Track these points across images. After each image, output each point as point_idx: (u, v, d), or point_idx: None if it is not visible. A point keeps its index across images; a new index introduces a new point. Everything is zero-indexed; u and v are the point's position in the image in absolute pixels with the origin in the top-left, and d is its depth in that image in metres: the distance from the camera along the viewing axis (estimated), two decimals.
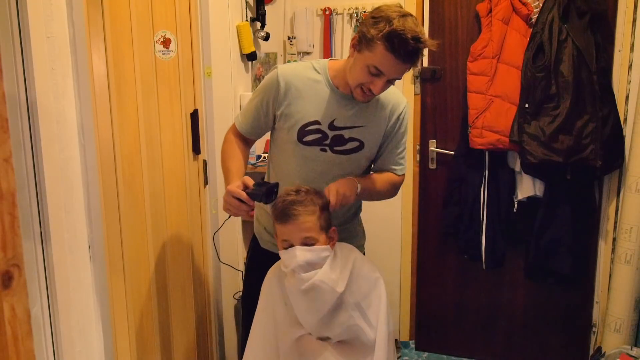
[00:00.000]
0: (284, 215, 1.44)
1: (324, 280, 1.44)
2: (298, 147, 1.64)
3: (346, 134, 1.62)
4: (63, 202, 1.34)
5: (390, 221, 2.72)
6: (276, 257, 1.78)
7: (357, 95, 1.55)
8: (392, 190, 1.75)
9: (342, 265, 1.51)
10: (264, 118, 1.68)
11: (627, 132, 2.23)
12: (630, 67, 2.20)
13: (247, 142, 1.78)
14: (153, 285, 1.94)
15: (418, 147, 2.64)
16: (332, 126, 1.62)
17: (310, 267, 1.43)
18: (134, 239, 1.83)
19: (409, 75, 2.57)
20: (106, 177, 1.67)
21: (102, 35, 1.63)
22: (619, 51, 2.23)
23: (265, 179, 1.82)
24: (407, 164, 2.63)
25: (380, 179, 1.70)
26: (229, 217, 1.83)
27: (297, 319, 1.53)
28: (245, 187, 1.52)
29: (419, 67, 2.56)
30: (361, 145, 1.64)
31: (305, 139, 1.62)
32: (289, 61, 2.73)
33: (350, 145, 1.63)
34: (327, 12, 2.64)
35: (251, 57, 2.46)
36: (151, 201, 1.90)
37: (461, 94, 2.50)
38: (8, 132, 0.83)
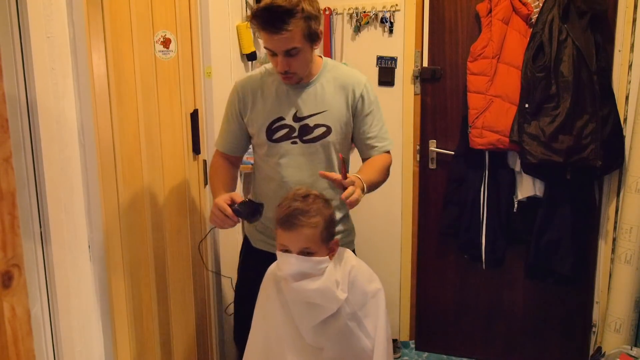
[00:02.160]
0: (286, 222, 1.41)
1: (328, 287, 1.42)
2: (271, 147, 1.70)
3: (311, 121, 1.67)
4: (63, 202, 1.34)
5: (390, 221, 2.72)
6: (269, 256, 1.80)
7: (282, 79, 1.63)
8: (386, 174, 1.75)
9: (341, 273, 1.49)
10: (239, 131, 1.76)
11: (627, 132, 2.23)
12: (630, 67, 2.20)
13: (232, 162, 1.84)
14: (153, 285, 1.94)
15: (418, 147, 2.64)
16: (296, 118, 1.67)
17: (303, 277, 1.41)
18: (134, 239, 1.83)
19: (409, 75, 2.57)
20: (106, 177, 1.67)
21: (102, 35, 1.63)
22: (619, 51, 2.23)
23: (251, 190, 1.87)
24: (407, 164, 2.65)
25: (375, 168, 1.70)
26: (213, 227, 1.91)
27: (294, 324, 1.51)
28: (233, 202, 1.58)
29: (419, 67, 2.56)
30: (328, 130, 1.68)
31: (274, 137, 1.69)
32: None
33: (318, 132, 1.67)
34: (327, 12, 2.64)
35: (251, 57, 2.46)
36: (151, 201, 1.90)
37: (461, 94, 2.50)
38: (8, 132, 0.83)
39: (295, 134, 1.68)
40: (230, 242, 2.39)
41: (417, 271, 2.76)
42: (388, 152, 1.77)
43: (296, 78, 1.63)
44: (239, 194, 1.62)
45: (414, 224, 2.71)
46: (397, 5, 2.53)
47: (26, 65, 1.23)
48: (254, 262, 1.85)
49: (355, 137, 1.75)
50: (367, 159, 1.76)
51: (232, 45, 2.34)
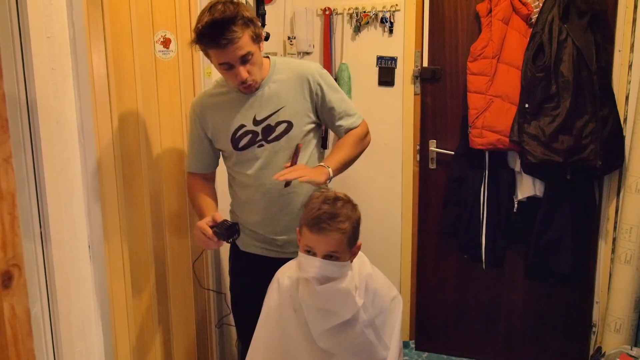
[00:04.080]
0: (315, 225, 1.38)
1: (350, 291, 1.42)
2: (240, 155, 1.71)
3: (272, 121, 1.68)
4: (63, 202, 1.34)
5: (390, 221, 2.72)
6: (257, 258, 1.79)
7: (242, 90, 1.65)
8: (362, 144, 1.78)
9: (358, 279, 1.48)
10: (206, 148, 1.78)
11: (627, 132, 2.23)
12: (630, 67, 2.20)
13: (207, 178, 1.85)
14: (153, 286, 1.94)
15: (418, 147, 2.64)
16: (255, 122, 1.69)
17: (327, 280, 1.40)
18: (134, 239, 1.83)
19: (409, 75, 2.57)
20: (106, 177, 1.67)
21: (102, 35, 1.63)
22: (619, 51, 2.23)
23: (231, 199, 1.88)
24: (407, 164, 2.65)
25: (346, 144, 1.74)
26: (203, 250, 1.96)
27: (305, 329, 1.49)
28: (215, 223, 1.60)
29: (419, 67, 2.56)
30: (290, 125, 1.69)
31: (240, 145, 1.70)
32: None
33: (280, 129, 1.69)
34: (327, 12, 2.64)
35: None
36: (151, 201, 1.90)
37: (461, 94, 2.50)
38: (8, 132, 0.83)
39: (260, 137, 1.69)
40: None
41: (417, 271, 2.76)
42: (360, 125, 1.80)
43: (255, 84, 1.64)
44: (219, 214, 1.64)
45: (414, 224, 2.71)
46: (397, 5, 2.53)
47: (26, 65, 1.23)
48: (244, 265, 1.86)
49: (326, 123, 1.78)
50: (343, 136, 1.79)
51: None
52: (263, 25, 2.53)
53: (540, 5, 2.25)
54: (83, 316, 1.44)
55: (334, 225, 1.37)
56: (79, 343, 1.42)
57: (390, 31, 2.56)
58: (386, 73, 2.61)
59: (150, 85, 1.87)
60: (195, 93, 2.13)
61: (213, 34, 1.49)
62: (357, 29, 2.61)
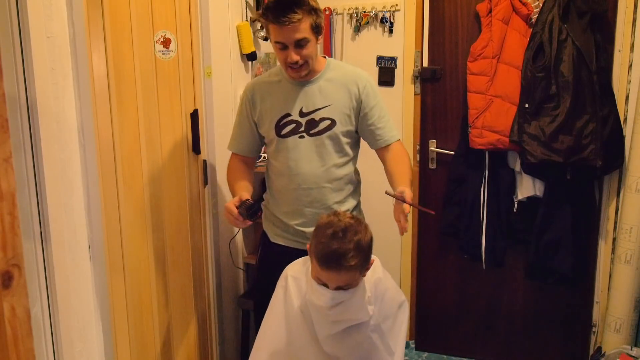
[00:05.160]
0: (325, 263, 1.35)
1: (361, 305, 1.41)
2: (280, 142, 1.78)
3: (316, 116, 1.75)
4: (63, 202, 1.34)
5: (390, 221, 2.70)
6: (285, 249, 1.82)
7: (290, 74, 1.71)
8: (411, 164, 1.84)
9: (369, 285, 1.48)
10: (251, 132, 1.86)
11: (627, 132, 2.23)
12: (630, 67, 2.20)
13: (246, 163, 1.91)
14: (153, 285, 1.94)
15: (418, 147, 2.64)
16: (302, 113, 1.76)
17: (338, 304, 1.40)
18: (134, 239, 1.83)
19: (409, 75, 2.57)
20: (106, 177, 1.67)
21: (102, 35, 1.63)
22: (619, 51, 2.23)
23: (267, 186, 1.94)
24: None
25: (406, 164, 1.80)
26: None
27: (311, 330, 1.48)
28: (241, 202, 1.66)
29: (419, 67, 2.56)
30: (333, 122, 1.76)
31: (283, 132, 1.77)
32: None
33: (323, 125, 1.76)
34: (327, 12, 2.64)
35: (251, 57, 2.47)
36: (151, 201, 1.90)
37: (461, 94, 2.50)
38: (8, 132, 0.83)
39: (302, 128, 1.76)
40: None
41: (417, 271, 2.76)
42: (398, 140, 1.86)
43: (305, 68, 1.69)
44: (245, 194, 1.69)
45: (414, 224, 2.71)
46: (397, 5, 2.53)
47: (26, 65, 1.23)
48: (273, 256, 1.90)
49: (363, 129, 1.82)
50: (378, 149, 1.84)
51: (232, 45, 2.34)
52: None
53: (540, 5, 2.25)
54: (83, 316, 1.44)
55: (345, 263, 1.33)
56: (79, 343, 1.42)
57: (390, 31, 2.56)
58: (386, 73, 2.61)
59: (150, 85, 1.87)
60: (195, 93, 2.13)
61: (277, 10, 1.57)
62: (357, 29, 2.62)
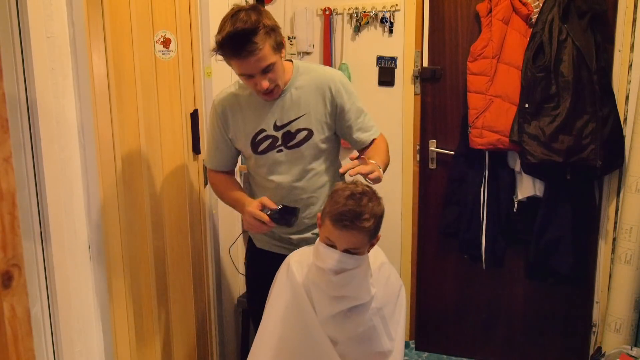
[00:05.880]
0: (339, 221, 1.36)
1: (365, 280, 1.42)
2: (259, 159, 1.72)
3: (292, 127, 1.68)
4: (63, 202, 1.34)
5: (390, 221, 2.72)
6: (272, 255, 1.80)
7: (264, 99, 1.63)
8: (388, 154, 1.75)
9: (372, 267, 1.49)
10: (226, 147, 1.78)
11: (627, 132, 2.23)
12: (630, 67, 2.20)
13: (229, 174, 1.85)
14: (153, 285, 1.94)
15: (418, 147, 2.64)
16: (276, 127, 1.68)
17: (343, 270, 1.40)
18: (134, 239, 1.83)
19: (409, 75, 2.57)
20: (106, 177, 1.67)
21: (102, 35, 1.63)
22: (619, 51, 2.23)
23: (250, 192, 1.88)
24: (407, 164, 2.65)
25: (380, 150, 1.71)
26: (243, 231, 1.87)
27: (312, 315, 1.48)
28: (263, 207, 1.60)
29: (419, 67, 2.56)
30: (310, 132, 1.68)
31: (260, 149, 1.71)
32: None
33: (300, 136, 1.68)
34: (327, 12, 2.64)
35: None
36: (151, 201, 1.90)
37: (461, 94, 2.50)
38: (8, 132, 0.83)
39: (279, 142, 1.69)
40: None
41: (417, 271, 2.76)
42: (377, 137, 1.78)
43: (277, 91, 1.62)
44: (267, 199, 1.62)
45: (414, 224, 2.71)
46: (397, 5, 2.53)
47: (26, 65, 1.23)
48: (259, 262, 1.87)
49: (341, 132, 1.75)
50: (359, 149, 1.77)
51: None
52: None
53: (540, 5, 2.25)
54: (83, 316, 1.44)
55: (358, 223, 1.35)
56: (79, 343, 1.42)
57: (390, 31, 2.56)
58: (386, 73, 2.61)
59: (150, 85, 1.87)
60: (195, 93, 2.13)
61: (233, 45, 1.47)
62: (357, 29, 2.61)
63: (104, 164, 1.66)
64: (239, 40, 1.46)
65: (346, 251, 1.39)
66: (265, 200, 1.61)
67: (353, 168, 1.48)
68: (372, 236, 1.43)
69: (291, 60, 1.73)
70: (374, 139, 1.75)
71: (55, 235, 1.32)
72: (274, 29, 1.52)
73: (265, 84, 1.55)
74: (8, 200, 0.83)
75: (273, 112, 1.67)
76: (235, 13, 1.49)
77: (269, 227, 1.60)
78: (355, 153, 1.54)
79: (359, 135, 1.73)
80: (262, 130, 1.69)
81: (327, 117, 1.69)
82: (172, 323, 2.06)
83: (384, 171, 1.63)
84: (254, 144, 1.70)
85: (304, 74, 1.70)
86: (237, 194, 1.75)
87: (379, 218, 1.42)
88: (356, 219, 1.35)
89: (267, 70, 1.53)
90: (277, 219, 1.58)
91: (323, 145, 1.72)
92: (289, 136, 1.68)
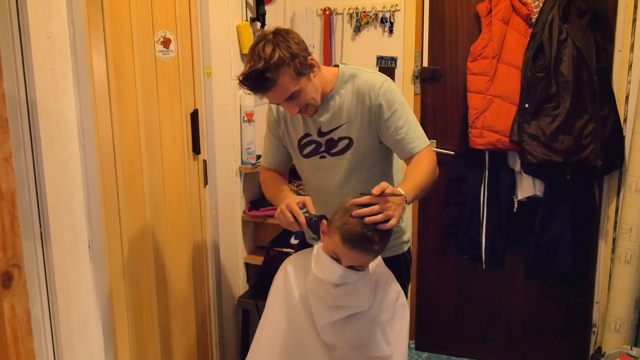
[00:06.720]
0: (350, 241, 1.34)
1: (364, 291, 1.42)
2: (305, 161, 1.73)
3: (335, 135, 1.66)
4: (63, 202, 1.34)
5: None
6: None
7: (303, 115, 1.63)
8: (433, 171, 1.64)
9: (371, 274, 1.48)
10: (280, 146, 1.79)
11: (627, 132, 2.23)
12: (630, 67, 2.20)
13: (280, 173, 1.84)
14: (153, 286, 1.94)
15: None
16: (320, 133, 1.68)
17: (344, 284, 1.40)
18: (134, 239, 1.83)
19: (409, 75, 2.57)
20: (106, 177, 1.67)
21: (102, 35, 1.63)
22: (619, 51, 2.23)
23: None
24: None
25: (418, 171, 1.60)
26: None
27: (310, 320, 1.48)
28: (303, 206, 1.55)
29: (419, 67, 2.56)
30: (351, 141, 1.66)
31: (305, 152, 1.71)
32: None
33: (342, 145, 1.67)
34: (327, 12, 2.64)
35: None
36: (151, 201, 1.90)
37: (461, 94, 2.50)
38: (8, 132, 0.83)
39: (323, 148, 1.69)
40: None
41: (417, 271, 2.76)
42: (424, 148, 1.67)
43: (312, 108, 1.60)
44: (310, 200, 1.56)
45: (414, 224, 2.71)
46: (397, 5, 2.53)
47: (26, 65, 1.23)
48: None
49: (385, 142, 1.68)
50: (405, 159, 1.69)
51: (232, 45, 2.34)
52: (263, 25, 2.54)
53: (540, 5, 2.25)
54: (83, 316, 1.44)
55: (369, 246, 1.34)
56: (79, 343, 1.42)
57: (390, 31, 2.56)
58: (386, 73, 2.55)
59: (150, 85, 1.87)
60: (195, 93, 2.13)
61: (250, 84, 1.49)
62: (357, 29, 2.62)
63: (104, 164, 1.66)
64: (255, 80, 1.47)
65: (350, 267, 1.38)
66: (308, 201, 1.57)
67: (363, 215, 1.38)
68: (378, 255, 1.43)
69: (337, 65, 1.68)
70: (416, 153, 1.65)
71: (55, 235, 1.32)
72: (293, 56, 1.47)
73: (292, 110, 1.55)
74: (8, 200, 0.83)
75: (319, 118, 1.67)
76: (255, 46, 1.48)
77: (300, 228, 1.55)
78: (376, 188, 1.45)
79: (399, 148, 1.66)
80: (308, 135, 1.69)
81: (368, 126, 1.65)
82: (172, 323, 2.06)
83: (425, 191, 1.55)
84: (300, 147, 1.72)
85: (348, 81, 1.65)
86: (283, 187, 1.75)
87: (388, 240, 1.40)
88: (367, 241, 1.34)
89: (291, 97, 1.52)
90: (311, 224, 1.52)
91: (367, 154, 1.68)
92: (331, 143, 1.67)
